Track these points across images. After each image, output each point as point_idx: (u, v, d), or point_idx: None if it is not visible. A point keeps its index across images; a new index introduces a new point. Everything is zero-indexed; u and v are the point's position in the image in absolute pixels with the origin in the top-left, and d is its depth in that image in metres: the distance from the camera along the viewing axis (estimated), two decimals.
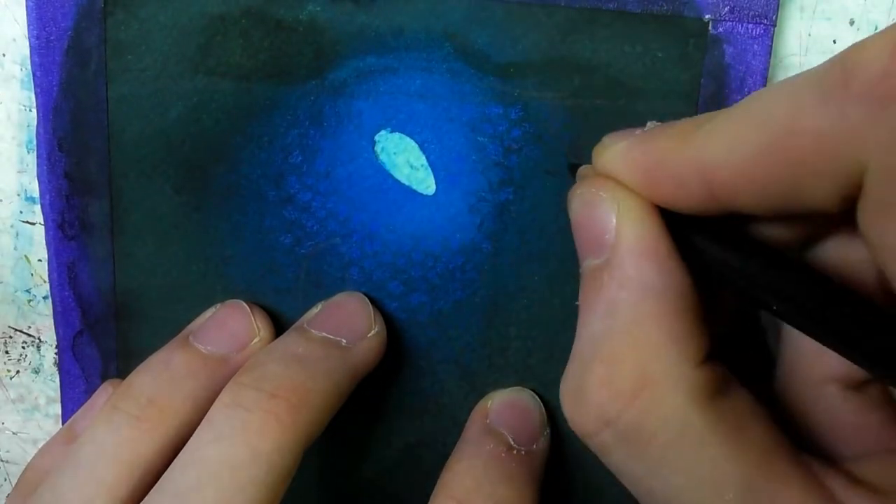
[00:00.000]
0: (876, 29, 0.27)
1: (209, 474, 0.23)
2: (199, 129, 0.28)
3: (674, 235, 0.20)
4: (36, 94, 0.27)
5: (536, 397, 0.29)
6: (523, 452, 0.27)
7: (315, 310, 0.28)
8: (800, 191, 0.18)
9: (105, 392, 0.29)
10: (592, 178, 0.22)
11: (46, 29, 0.27)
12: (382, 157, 0.28)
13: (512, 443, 0.28)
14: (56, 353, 0.31)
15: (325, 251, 0.29)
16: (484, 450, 0.27)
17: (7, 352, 0.31)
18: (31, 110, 0.29)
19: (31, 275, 0.31)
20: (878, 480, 0.19)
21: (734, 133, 0.18)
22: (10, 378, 0.32)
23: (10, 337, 0.31)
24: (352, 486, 0.31)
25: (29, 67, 0.28)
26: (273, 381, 0.24)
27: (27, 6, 0.27)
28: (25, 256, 0.30)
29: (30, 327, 0.31)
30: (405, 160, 0.28)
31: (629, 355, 0.19)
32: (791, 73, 0.27)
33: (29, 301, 0.31)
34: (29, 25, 0.27)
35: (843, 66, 0.16)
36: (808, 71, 0.17)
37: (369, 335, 0.28)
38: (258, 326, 0.28)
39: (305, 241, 0.29)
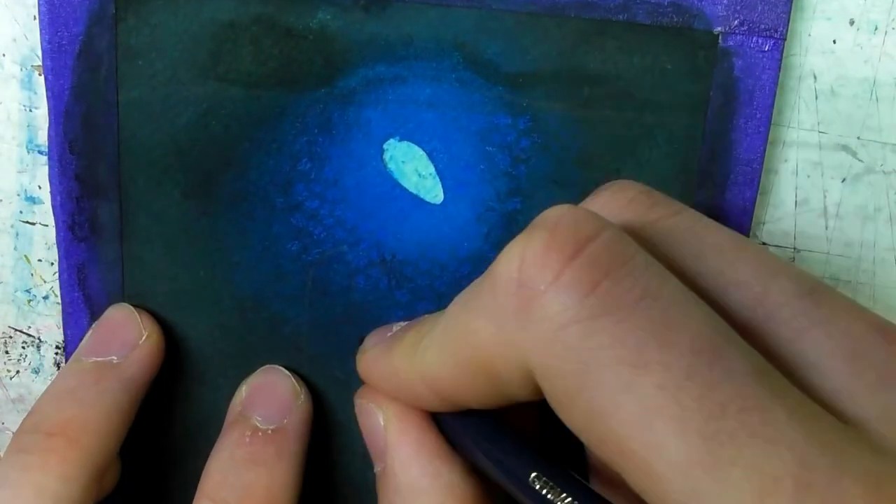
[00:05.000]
0: (876, 30, 0.27)
1: None
2: (209, 134, 0.28)
3: (446, 434, 0.23)
4: (48, 97, 0.27)
5: (285, 370, 0.29)
6: (270, 431, 0.27)
7: (87, 334, 0.29)
8: (504, 390, 0.20)
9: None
10: (363, 388, 0.25)
11: (58, 34, 0.27)
12: (391, 166, 0.28)
13: (258, 425, 0.27)
14: (56, 354, 0.31)
15: (332, 259, 0.29)
16: (230, 440, 0.27)
17: (7, 352, 0.31)
18: (31, 110, 0.29)
19: (31, 275, 0.30)
20: None
21: (440, 352, 0.21)
22: (10, 378, 0.32)
23: (10, 337, 0.31)
24: (357, 483, 0.31)
25: (29, 67, 0.28)
26: (48, 421, 0.26)
27: (39, 11, 0.27)
28: (25, 256, 0.30)
29: (30, 327, 0.31)
30: (413, 169, 0.28)
31: None
32: (792, 74, 0.27)
33: (29, 301, 0.31)
34: (41, 30, 0.27)
35: (492, 281, 0.19)
36: (483, 281, 0.20)
37: (140, 343, 0.28)
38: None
39: (312, 249, 0.29)
